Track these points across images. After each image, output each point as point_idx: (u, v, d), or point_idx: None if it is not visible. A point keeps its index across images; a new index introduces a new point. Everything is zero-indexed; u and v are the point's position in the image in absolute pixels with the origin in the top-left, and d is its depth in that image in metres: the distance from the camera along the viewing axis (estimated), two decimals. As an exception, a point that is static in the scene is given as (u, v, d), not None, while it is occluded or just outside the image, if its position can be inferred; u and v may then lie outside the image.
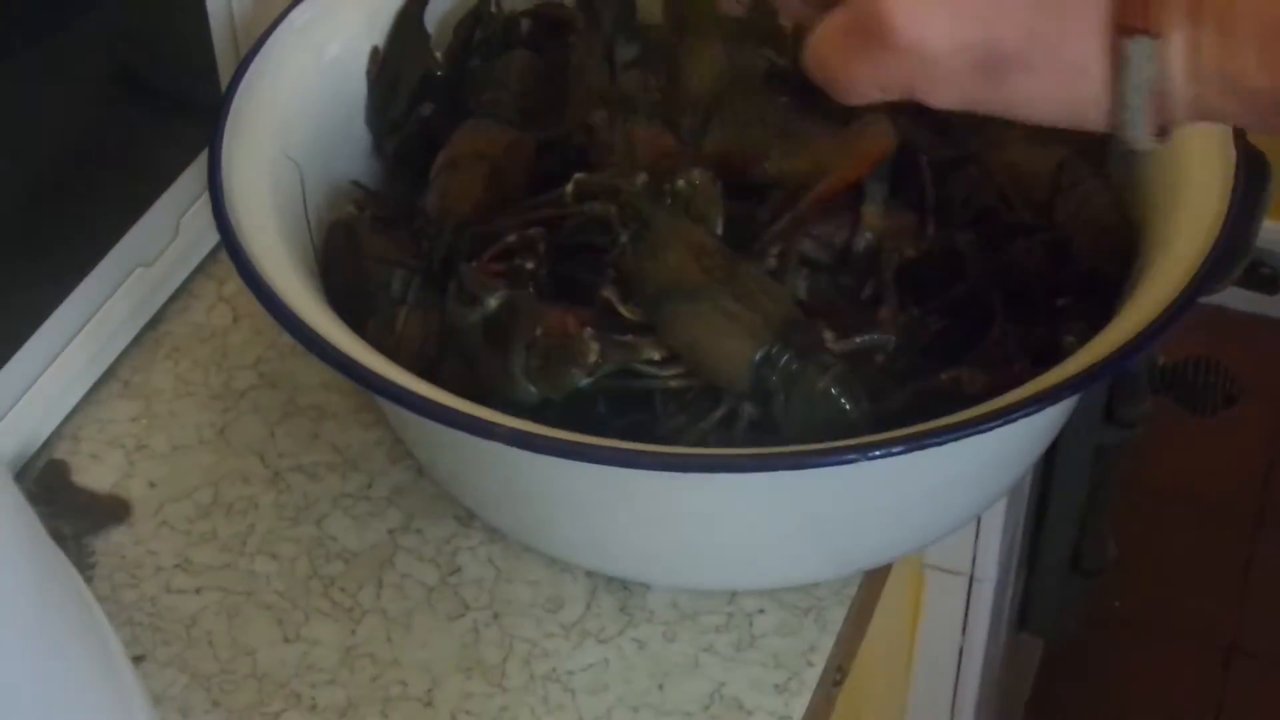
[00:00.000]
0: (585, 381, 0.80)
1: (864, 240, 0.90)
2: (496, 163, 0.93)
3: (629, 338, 0.82)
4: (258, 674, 0.85)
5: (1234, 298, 2.34)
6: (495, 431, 0.75)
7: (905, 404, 0.83)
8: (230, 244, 0.83)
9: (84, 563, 0.89)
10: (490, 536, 0.91)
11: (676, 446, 0.80)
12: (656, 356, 0.82)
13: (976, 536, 1.28)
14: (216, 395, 0.99)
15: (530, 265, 0.88)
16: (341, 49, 0.97)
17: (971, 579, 1.30)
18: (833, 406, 0.80)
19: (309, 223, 0.90)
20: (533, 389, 0.80)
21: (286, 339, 1.00)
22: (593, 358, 0.79)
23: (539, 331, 0.80)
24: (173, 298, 1.02)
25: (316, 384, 0.98)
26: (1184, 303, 0.79)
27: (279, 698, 0.84)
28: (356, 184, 0.95)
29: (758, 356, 0.80)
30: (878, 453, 0.74)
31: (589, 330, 0.80)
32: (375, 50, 0.99)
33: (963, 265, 0.91)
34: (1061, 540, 1.53)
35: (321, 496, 0.93)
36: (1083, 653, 2.05)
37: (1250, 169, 0.86)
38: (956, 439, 0.75)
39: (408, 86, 0.98)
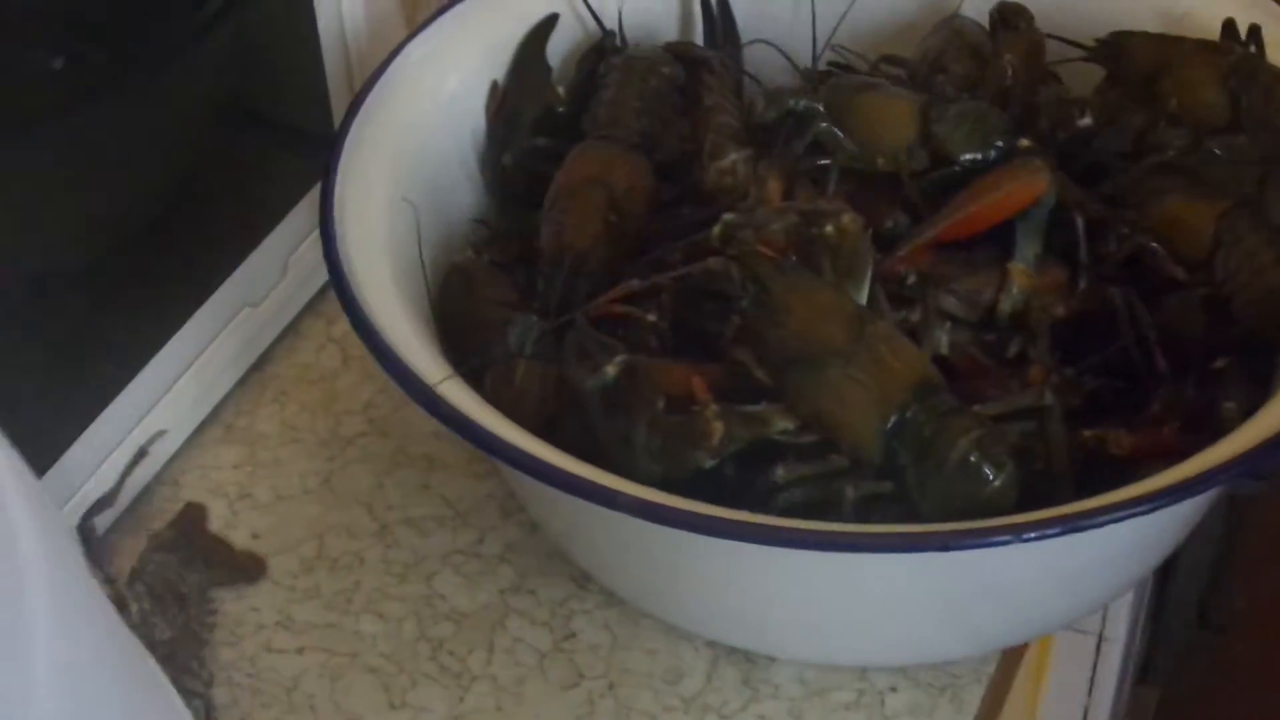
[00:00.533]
0: (710, 463, 0.75)
1: (1011, 299, 0.85)
2: (614, 190, 0.89)
3: (760, 407, 0.76)
4: (364, 741, 0.81)
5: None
6: (618, 501, 0.70)
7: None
8: (340, 287, 0.79)
9: (204, 618, 0.85)
10: (607, 600, 0.86)
11: (809, 522, 0.75)
12: (790, 427, 0.76)
13: (1108, 596, 1.22)
14: (323, 442, 0.95)
15: (652, 317, 0.83)
16: (460, 84, 0.93)
17: (1100, 639, 1.24)
18: (972, 476, 0.74)
19: (424, 266, 0.86)
20: (656, 468, 0.75)
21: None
22: (717, 440, 0.74)
23: (660, 405, 0.75)
24: (280, 338, 0.99)
25: (428, 432, 0.94)
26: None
27: (385, 767, 0.80)
28: (481, 222, 0.91)
29: (889, 425, 0.75)
30: (1032, 534, 0.69)
31: (713, 407, 0.75)
32: (495, 85, 0.95)
33: (1114, 322, 0.86)
34: (1189, 594, 1.47)
35: (431, 553, 0.89)
36: (1201, 701, 1.98)
37: None
38: (1117, 520, 0.70)
39: (528, 122, 0.94)
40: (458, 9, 0.94)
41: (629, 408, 0.76)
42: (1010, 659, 0.87)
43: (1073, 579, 0.80)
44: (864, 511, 0.75)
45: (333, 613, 0.86)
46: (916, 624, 0.80)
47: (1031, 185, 0.85)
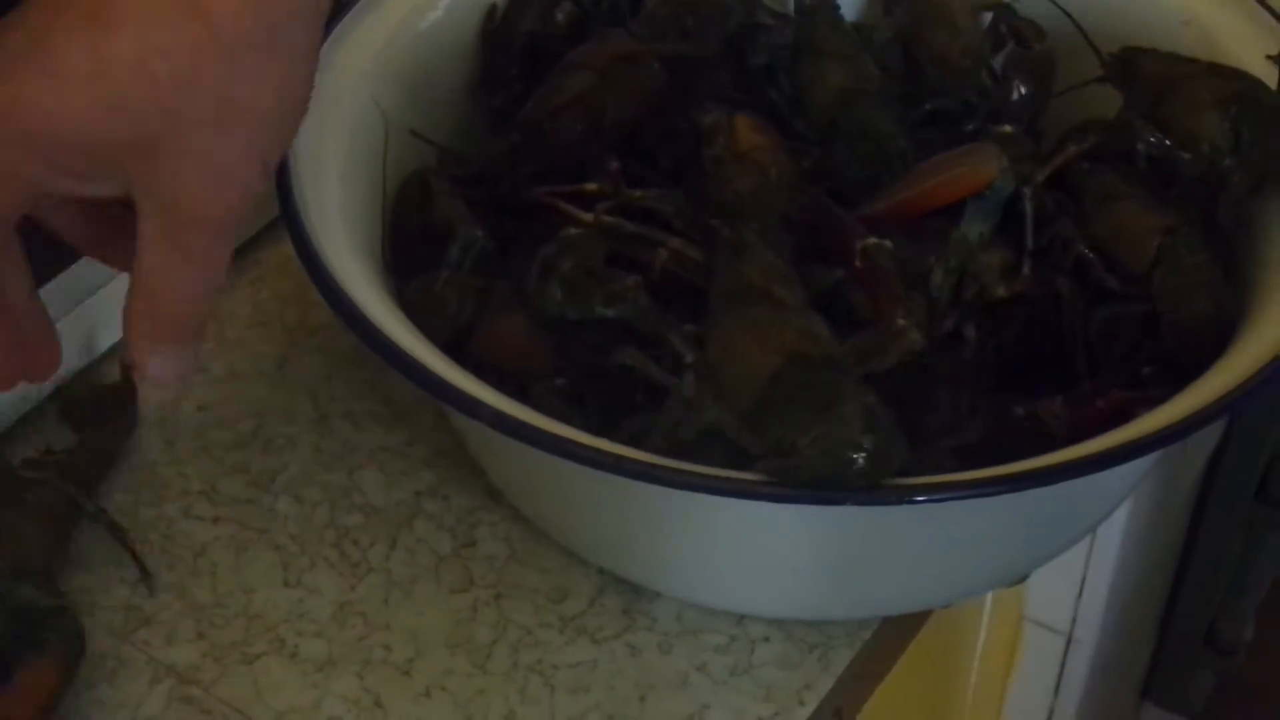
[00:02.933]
0: (605, 311, 0.78)
1: (945, 268, 0.85)
2: (606, 73, 0.90)
3: (671, 319, 0.79)
4: (249, 613, 0.85)
5: None
6: (480, 411, 0.73)
7: (977, 438, 0.80)
8: (282, 185, 0.82)
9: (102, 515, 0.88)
10: (514, 516, 0.89)
11: (706, 467, 0.76)
12: (687, 354, 0.78)
13: (1080, 595, 1.22)
14: (288, 329, 0.98)
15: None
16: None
17: (1070, 639, 1.24)
18: (846, 435, 0.73)
19: (385, 177, 0.89)
20: (558, 294, 0.79)
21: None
22: (630, 290, 0.78)
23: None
24: (268, 226, 1.02)
25: (382, 333, 0.97)
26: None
27: (263, 640, 0.84)
28: (434, 143, 0.93)
29: (773, 371, 0.74)
30: (921, 497, 0.70)
31: (638, 280, 0.79)
32: (494, 8, 0.97)
33: (1055, 314, 0.86)
34: (1195, 614, 1.46)
35: (360, 446, 0.92)
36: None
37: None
38: (1017, 489, 0.71)
39: (522, 46, 0.96)
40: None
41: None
42: (900, 629, 0.88)
43: (957, 552, 0.81)
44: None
45: (254, 489, 0.90)
46: (793, 579, 0.82)
47: (979, 171, 0.85)
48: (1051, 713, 1.30)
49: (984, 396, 0.83)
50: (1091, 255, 0.86)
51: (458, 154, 0.92)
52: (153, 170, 0.63)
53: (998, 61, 0.99)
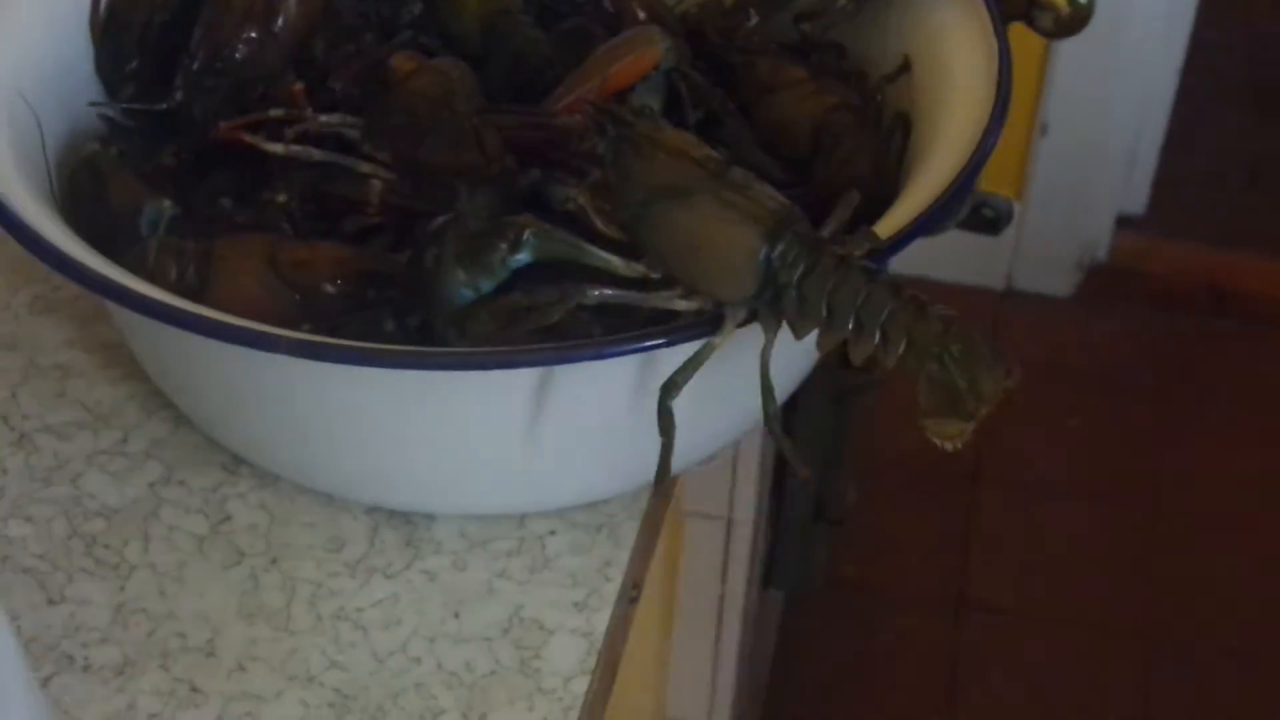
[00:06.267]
0: (513, 260, 0.75)
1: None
2: None
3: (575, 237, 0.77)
4: (24, 638, 0.79)
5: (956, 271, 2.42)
6: (279, 344, 0.71)
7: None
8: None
9: None
10: (260, 482, 0.87)
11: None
12: (655, 276, 0.76)
13: (734, 480, 1.27)
14: (-49, 363, 0.92)
15: (282, 198, 0.85)
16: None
17: (730, 523, 1.29)
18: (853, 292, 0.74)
19: (49, 168, 0.85)
20: (459, 273, 0.75)
21: (21, 299, 0.95)
22: (526, 234, 0.74)
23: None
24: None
25: (59, 342, 0.93)
26: (919, 225, 0.79)
27: (49, 661, 0.79)
28: (100, 114, 0.90)
29: (769, 251, 0.74)
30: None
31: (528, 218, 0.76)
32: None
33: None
34: (805, 490, 1.54)
35: (74, 455, 0.88)
36: (820, 617, 2.07)
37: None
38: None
39: (132, 32, 0.93)
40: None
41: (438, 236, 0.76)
42: (658, 496, 0.90)
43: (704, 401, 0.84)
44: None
45: (-22, 521, 0.85)
46: (562, 463, 0.83)
47: (649, 53, 0.89)
48: (722, 602, 1.35)
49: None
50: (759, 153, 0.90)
51: (125, 129, 0.89)
52: None
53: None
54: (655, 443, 0.83)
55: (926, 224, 0.79)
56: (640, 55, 0.89)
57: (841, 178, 0.87)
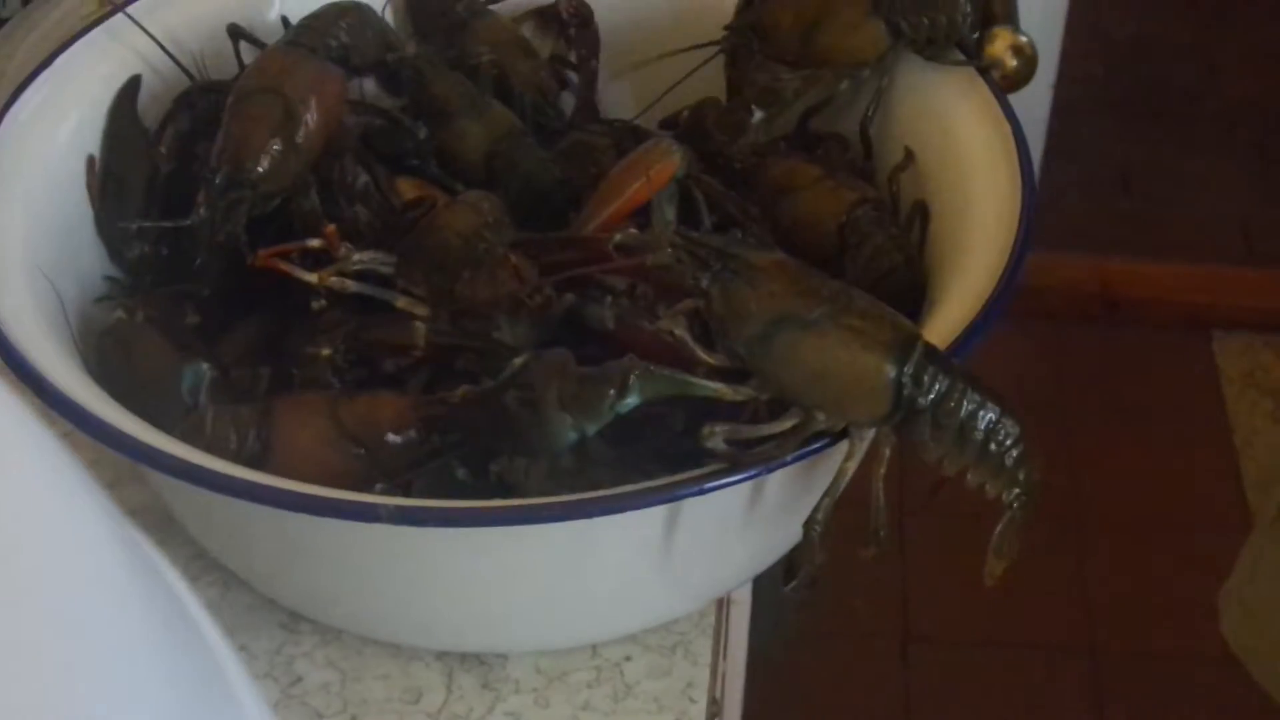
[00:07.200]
0: (628, 403, 0.73)
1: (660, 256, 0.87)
2: (292, 101, 0.88)
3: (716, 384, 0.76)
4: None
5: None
6: (379, 513, 0.70)
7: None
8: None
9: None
10: (323, 638, 0.85)
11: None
12: (763, 398, 0.76)
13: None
14: None
15: (326, 351, 0.83)
16: (64, 152, 0.90)
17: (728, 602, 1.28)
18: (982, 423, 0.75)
19: (74, 339, 0.83)
20: (567, 418, 0.73)
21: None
22: (633, 378, 0.73)
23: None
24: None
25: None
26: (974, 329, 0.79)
27: None
28: (112, 279, 0.88)
29: (903, 370, 0.74)
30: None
31: (631, 357, 0.74)
32: (91, 160, 0.91)
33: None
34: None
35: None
36: (776, 667, 2.07)
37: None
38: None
39: (135, 190, 0.92)
40: (36, 82, 0.91)
41: (528, 378, 0.75)
42: (722, 608, 0.90)
43: (768, 523, 0.84)
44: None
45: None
46: (635, 589, 0.83)
47: (668, 164, 0.89)
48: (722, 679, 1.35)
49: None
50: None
51: (146, 294, 0.87)
52: None
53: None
54: (724, 561, 0.83)
55: (993, 314, 0.79)
56: (660, 169, 0.89)
57: (874, 272, 0.88)
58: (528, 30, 1.04)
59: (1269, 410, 2.42)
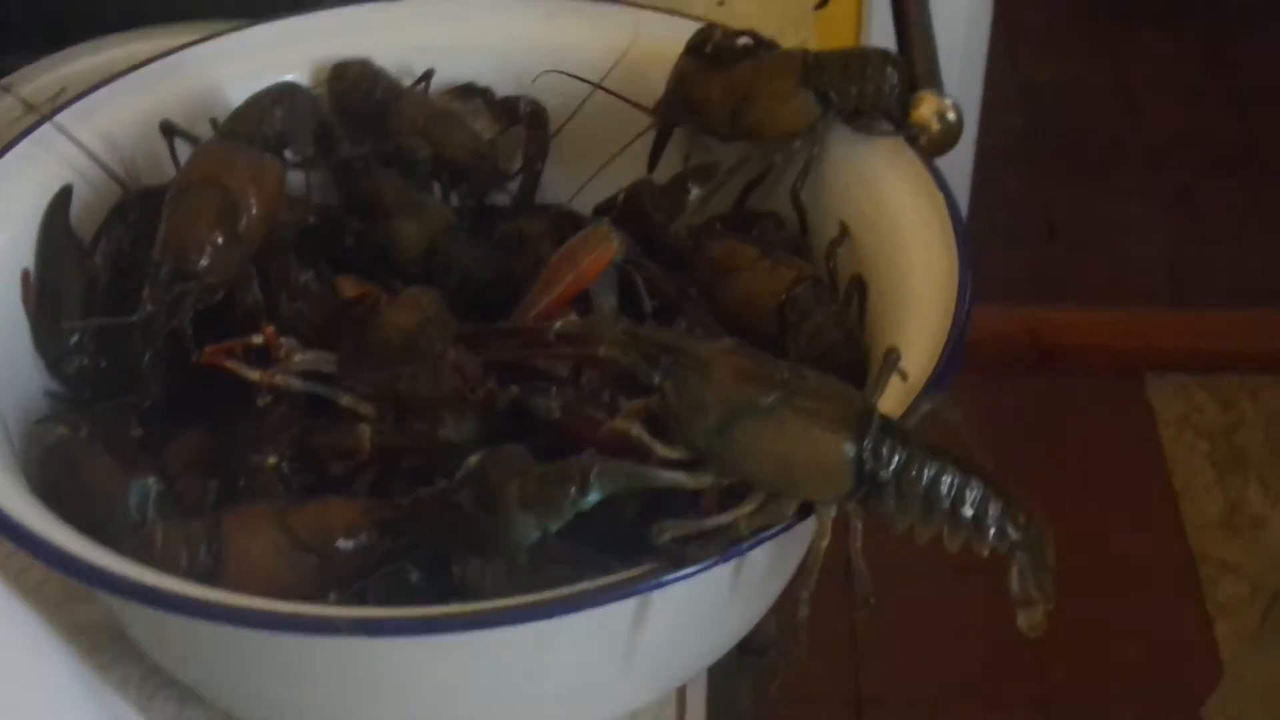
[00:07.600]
0: (589, 499, 0.73)
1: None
2: (232, 192, 0.88)
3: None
4: None
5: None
6: (338, 626, 0.69)
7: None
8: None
9: None
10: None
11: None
12: (725, 483, 0.76)
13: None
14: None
15: (272, 459, 0.83)
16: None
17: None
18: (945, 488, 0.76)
19: (17, 457, 0.82)
20: (529, 519, 0.73)
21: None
22: (593, 475, 0.73)
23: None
24: None
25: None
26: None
27: None
28: (53, 395, 0.87)
29: (859, 446, 0.74)
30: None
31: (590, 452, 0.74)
32: (26, 274, 0.91)
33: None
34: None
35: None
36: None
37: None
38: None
39: (72, 303, 0.91)
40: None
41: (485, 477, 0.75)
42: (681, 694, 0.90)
43: (731, 610, 0.84)
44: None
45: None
46: (601, 684, 0.82)
47: (606, 250, 0.89)
48: None
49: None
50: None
51: (89, 409, 0.87)
52: None
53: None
54: (688, 651, 0.83)
55: (941, 379, 0.80)
56: (598, 255, 0.89)
57: (815, 349, 0.88)
58: (484, 120, 1.04)
59: (1206, 452, 2.44)
